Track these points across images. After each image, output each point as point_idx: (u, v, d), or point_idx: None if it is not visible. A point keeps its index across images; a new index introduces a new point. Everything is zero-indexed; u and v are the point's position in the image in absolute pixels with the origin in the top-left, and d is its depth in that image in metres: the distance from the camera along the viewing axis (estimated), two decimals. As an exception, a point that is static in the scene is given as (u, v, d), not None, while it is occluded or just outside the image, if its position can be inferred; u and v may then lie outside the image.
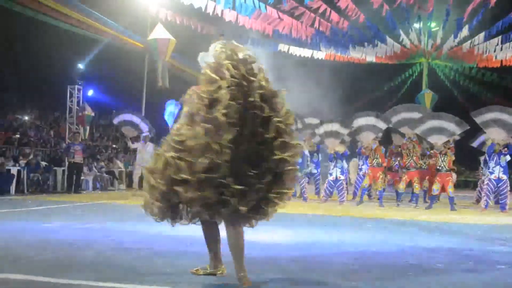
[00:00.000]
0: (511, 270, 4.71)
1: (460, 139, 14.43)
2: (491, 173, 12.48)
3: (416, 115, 14.00)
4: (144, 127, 16.47)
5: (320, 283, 3.95)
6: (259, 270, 4.07)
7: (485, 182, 12.87)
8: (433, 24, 26.33)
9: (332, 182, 13.62)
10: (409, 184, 13.68)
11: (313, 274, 4.30)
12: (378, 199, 13.67)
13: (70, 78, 20.45)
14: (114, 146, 24.00)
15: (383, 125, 13.77)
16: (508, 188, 12.48)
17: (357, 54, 25.57)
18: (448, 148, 12.90)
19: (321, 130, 13.96)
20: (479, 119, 12.44)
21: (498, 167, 12.35)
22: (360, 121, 13.81)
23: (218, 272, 3.87)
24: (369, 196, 15.28)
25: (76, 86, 20.06)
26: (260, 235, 5.26)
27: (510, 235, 7.62)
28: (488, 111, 12.59)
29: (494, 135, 12.40)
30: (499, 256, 5.43)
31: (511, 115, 12.13)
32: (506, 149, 12.18)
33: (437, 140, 12.84)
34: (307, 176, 14.85)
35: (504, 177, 12.35)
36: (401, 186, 13.51)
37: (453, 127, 12.78)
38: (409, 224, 8.94)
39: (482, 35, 23.57)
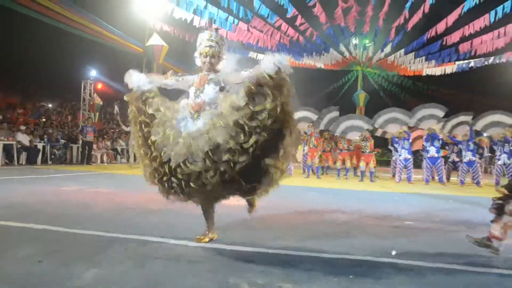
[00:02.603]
0: (398, 222, 4.95)
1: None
2: (400, 155, 12.96)
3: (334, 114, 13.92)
4: None
5: (273, 232, 4.02)
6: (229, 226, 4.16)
7: (397, 161, 13.34)
8: (366, 41, 26.68)
9: None
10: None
11: (271, 228, 4.38)
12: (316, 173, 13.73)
13: (84, 74, 20.17)
14: (117, 128, 23.81)
15: (314, 117, 13.95)
16: (412, 165, 12.95)
17: (309, 62, 25.75)
18: (367, 137, 13.19)
19: None
20: (381, 119, 12.89)
21: (403, 150, 12.82)
22: (298, 114, 13.87)
23: (214, 237, 3.54)
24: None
25: (89, 81, 19.84)
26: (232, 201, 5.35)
27: (413, 199, 7.84)
28: (384, 112, 12.98)
29: (391, 129, 12.93)
30: (399, 212, 5.67)
31: (402, 113, 12.64)
32: (407, 135, 12.73)
33: (352, 136, 13.12)
34: None
35: (409, 156, 12.83)
36: (338, 164, 13.69)
37: (362, 124, 13.09)
38: (344, 192, 9.14)
39: (401, 51, 24.09)
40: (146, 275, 2.58)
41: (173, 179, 3.08)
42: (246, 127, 2.92)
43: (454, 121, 12.77)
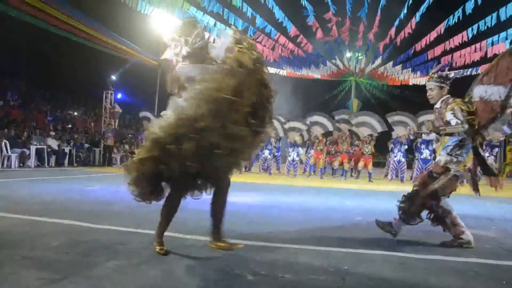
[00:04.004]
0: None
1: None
2: (395, 156, 12.88)
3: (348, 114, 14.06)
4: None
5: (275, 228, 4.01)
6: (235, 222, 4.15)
7: (391, 163, 13.27)
8: (359, 54, 26.70)
9: (290, 162, 13.76)
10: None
11: (273, 224, 4.35)
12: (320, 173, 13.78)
13: (105, 85, 20.29)
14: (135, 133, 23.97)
15: (328, 123, 13.88)
16: (405, 166, 12.87)
17: (308, 73, 25.78)
18: (372, 139, 13.16)
19: (286, 125, 14.00)
20: (390, 119, 12.71)
21: (399, 153, 12.72)
22: (314, 118, 13.87)
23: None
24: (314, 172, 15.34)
25: (110, 91, 19.93)
26: (237, 198, 5.35)
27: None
28: (395, 114, 12.82)
29: (398, 131, 12.70)
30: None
31: (408, 117, 12.48)
32: (405, 140, 12.57)
33: (363, 131, 13.04)
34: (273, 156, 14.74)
35: (403, 159, 12.73)
36: (336, 164, 13.68)
37: (377, 125, 12.98)
38: (341, 191, 9.15)
39: (390, 63, 24.15)
40: (160, 266, 2.58)
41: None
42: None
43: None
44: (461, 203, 7.07)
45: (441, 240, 3.54)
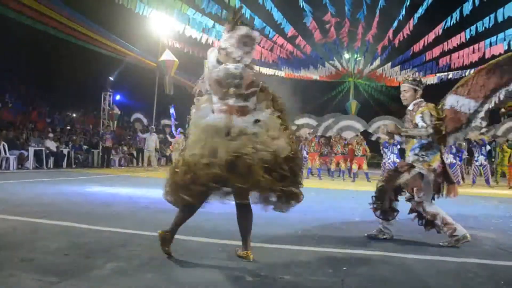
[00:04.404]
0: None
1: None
2: (389, 158, 12.90)
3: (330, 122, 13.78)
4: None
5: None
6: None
7: (386, 164, 13.29)
8: (357, 55, 26.75)
9: None
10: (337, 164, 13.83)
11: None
12: (318, 175, 13.74)
13: (104, 87, 20.30)
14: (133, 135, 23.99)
15: (315, 123, 13.93)
16: None
17: (306, 74, 25.81)
18: (361, 140, 13.21)
19: None
20: (374, 125, 12.85)
21: (392, 154, 12.77)
22: (300, 121, 13.82)
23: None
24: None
25: (108, 93, 19.88)
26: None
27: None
28: (378, 119, 12.99)
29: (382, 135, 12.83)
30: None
31: (393, 121, 12.63)
32: (396, 141, 12.65)
33: (347, 135, 13.11)
34: None
35: (397, 160, 12.76)
36: (333, 166, 13.70)
37: (358, 125, 13.06)
38: (340, 192, 9.14)
39: (389, 64, 24.22)
40: (159, 268, 2.58)
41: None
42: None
43: None
44: (460, 204, 7.09)
45: (439, 241, 3.55)
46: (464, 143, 13.36)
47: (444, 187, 3.62)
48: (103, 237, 3.37)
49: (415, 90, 3.74)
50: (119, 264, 2.60)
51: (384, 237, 3.71)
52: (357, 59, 26.86)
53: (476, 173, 12.66)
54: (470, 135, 12.49)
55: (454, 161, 12.36)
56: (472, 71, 20.33)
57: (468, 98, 3.48)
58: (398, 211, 3.71)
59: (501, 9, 13.58)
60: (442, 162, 3.62)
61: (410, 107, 3.74)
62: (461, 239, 3.46)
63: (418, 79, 3.80)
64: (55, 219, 4.03)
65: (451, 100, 3.59)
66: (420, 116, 3.55)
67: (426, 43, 19.08)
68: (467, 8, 14.54)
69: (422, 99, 3.72)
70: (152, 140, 15.56)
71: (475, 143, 12.45)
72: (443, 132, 3.55)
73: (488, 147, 12.82)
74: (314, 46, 22.61)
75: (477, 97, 3.43)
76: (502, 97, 3.35)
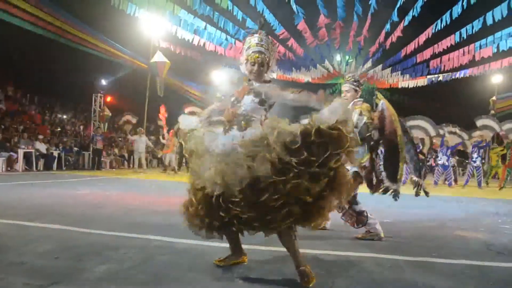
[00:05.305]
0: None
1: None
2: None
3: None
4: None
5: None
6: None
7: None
8: (349, 57, 26.93)
9: None
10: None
11: None
12: None
13: (95, 89, 20.18)
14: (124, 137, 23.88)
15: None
16: None
17: (298, 76, 25.89)
18: None
19: None
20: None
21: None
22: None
23: (240, 261, 2.81)
24: None
25: (99, 94, 19.83)
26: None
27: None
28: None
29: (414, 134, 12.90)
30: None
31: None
32: None
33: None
34: None
35: None
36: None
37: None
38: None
39: (379, 66, 24.44)
40: (151, 270, 2.57)
41: (221, 213, 2.36)
42: (293, 168, 2.24)
43: (446, 130, 13.01)
44: (450, 205, 7.17)
45: (431, 243, 3.59)
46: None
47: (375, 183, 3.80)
48: (94, 240, 3.35)
49: (356, 91, 3.95)
50: (110, 267, 2.59)
51: (372, 238, 3.78)
52: (349, 61, 27.01)
53: (470, 174, 12.85)
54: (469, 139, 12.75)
55: (447, 163, 12.51)
56: (462, 73, 20.60)
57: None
58: (363, 211, 3.85)
59: (490, 13, 13.77)
60: (372, 160, 3.77)
61: (349, 106, 3.87)
62: (375, 235, 3.78)
63: (358, 79, 4.00)
64: (45, 222, 4.00)
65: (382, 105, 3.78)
66: (357, 112, 3.76)
67: (416, 46, 19.30)
68: (457, 11, 14.72)
69: (362, 99, 3.95)
70: (142, 142, 15.49)
71: (474, 144, 12.66)
72: (372, 131, 3.74)
73: (481, 150, 13.01)
74: (306, 48, 22.70)
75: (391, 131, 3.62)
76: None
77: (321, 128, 2.25)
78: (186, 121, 2.88)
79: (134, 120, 17.54)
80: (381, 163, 3.72)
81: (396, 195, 3.58)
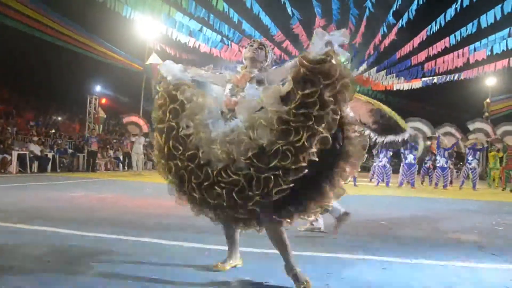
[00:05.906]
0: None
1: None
2: (380, 161, 13.02)
3: None
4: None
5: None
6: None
7: (376, 168, 13.39)
8: (344, 59, 27.03)
9: None
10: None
11: None
12: None
13: (90, 90, 20.14)
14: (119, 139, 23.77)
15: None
16: (391, 171, 13.00)
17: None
18: None
19: None
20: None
21: (385, 158, 12.89)
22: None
23: (237, 264, 2.77)
24: None
25: (94, 96, 19.78)
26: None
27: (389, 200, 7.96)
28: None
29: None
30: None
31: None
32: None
33: None
34: None
35: (388, 164, 12.89)
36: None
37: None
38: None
39: (374, 69, 24.57)
40: (144, 273, 2.56)
41: (216, 187, 2.24)
42: (292, 123, 2.11)
43: (442, 130, 13.08)
44: (444, 207, 7.20)
45: (425, 245, 3.60)
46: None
47: None
48: (87, 243, 3.33)
49: None
50: (103, 270, 2.57)
51: (313, 230, 4.05)
52: (344, 63, 27.14)
53: (465, 176, 12.94)
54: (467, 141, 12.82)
55: (446, 165, 12.58)
56: (456, 76, 20.72)
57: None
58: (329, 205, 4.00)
59: (484, 16, 13.89)
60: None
61: None
62: (316, 228, 4.05)
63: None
64: (37, 224, 3.96)
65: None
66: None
67: (411, 48, 19.41)
68: (450, 14, 14.83)
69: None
70: (140, 143, 15.45)
71: (469, 148, 12.74)
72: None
73: (478, 153, 13.09)
74: (301, 51, 22.77)
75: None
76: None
77: (306, 61, 2.15)
78: (168, 68, 2.71)
79: (141, 121, 17.22)
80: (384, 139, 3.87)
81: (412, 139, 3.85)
